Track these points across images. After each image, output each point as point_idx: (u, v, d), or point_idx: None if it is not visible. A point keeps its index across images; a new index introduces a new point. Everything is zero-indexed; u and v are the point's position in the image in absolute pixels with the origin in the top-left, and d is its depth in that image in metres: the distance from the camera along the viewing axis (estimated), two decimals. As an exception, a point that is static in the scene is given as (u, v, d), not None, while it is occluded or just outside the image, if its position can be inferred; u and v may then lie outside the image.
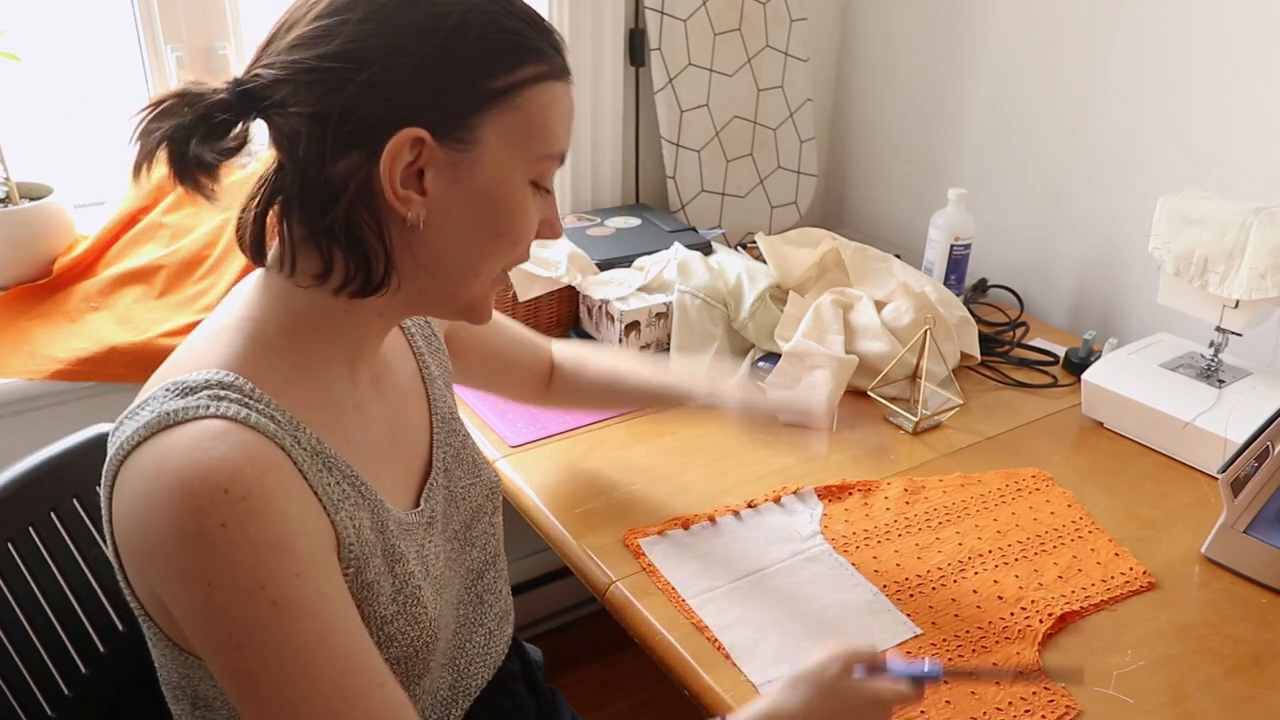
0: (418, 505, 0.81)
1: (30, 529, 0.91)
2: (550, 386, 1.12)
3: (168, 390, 0.65)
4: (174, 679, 0.72)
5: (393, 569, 0.73)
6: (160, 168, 0.66)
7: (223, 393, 0.65)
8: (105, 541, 0.69)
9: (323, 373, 0.73)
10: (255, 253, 0.72)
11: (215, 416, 0.63)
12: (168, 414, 0.63)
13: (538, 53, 0.69)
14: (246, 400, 0.65)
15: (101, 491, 0.67)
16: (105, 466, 0.65)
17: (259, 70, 0.67)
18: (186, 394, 0.64)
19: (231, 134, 0.67)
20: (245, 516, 0.60)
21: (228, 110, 0.66)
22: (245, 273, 1.38)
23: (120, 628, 0.97)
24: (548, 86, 0.70)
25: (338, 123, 0.65)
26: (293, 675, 0.62)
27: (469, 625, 0.88)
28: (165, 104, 0.65)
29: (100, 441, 0.97)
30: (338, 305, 0.71)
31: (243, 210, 0.71)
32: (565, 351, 1.14)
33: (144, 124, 0.65)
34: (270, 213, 0.70)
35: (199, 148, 0.65)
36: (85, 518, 0.95)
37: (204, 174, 0.66)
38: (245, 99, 0.66)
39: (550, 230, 0.76)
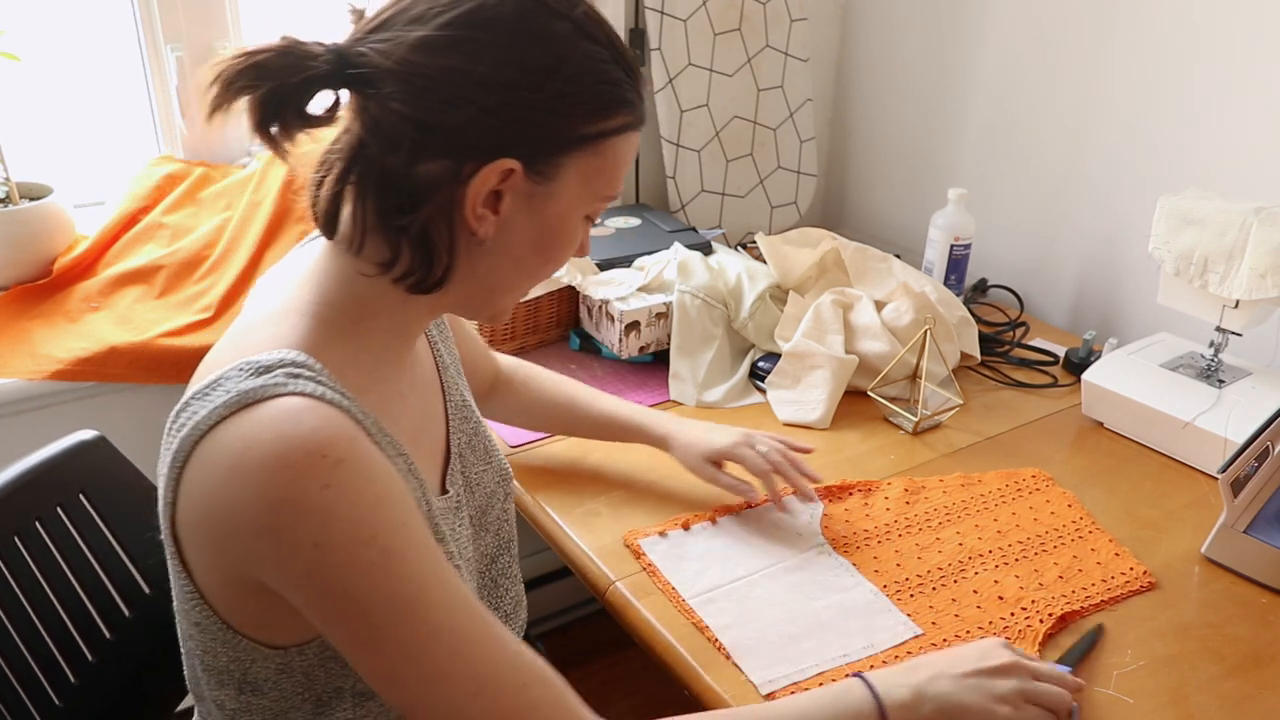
0: (445, 491, 0.83)
1: (15, 539, 0.90)
2: (492, 396, 1.13)
3: (241, 370, 0.66)
4: (223, 663, 0.72)
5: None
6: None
7: (297, 370, 0.66)
8: (160, 528, 0.69)
9: (377, 357, 0.75)
10: (328, 227, 0.72)
11: (294, 394, 0.64)
12: (246, 392, 0.64)
13: (628, 104, 0.73)
14: (319, 379, 0.67)
15: (164, 474, 0.67)
16: (174, 448, 0.65)
17: (366, 50, 0.66)
18: (261, 373, 0.65)
19: (320, 105, 0.67)
20: (346, 476, 0.62)
21: (326, 83, 0.66)
22: (253, 264, 1.38)
23: (108, 635, 0.96)
24: (627, 137, 0.74)
25: (441, 134, 0.66)
26: (413, 622, 0.63)
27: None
28: (261, 57, 0.64)
29: (83, 448, 0.97)
30: (397, 297, 0.73)
31: (319, 180, 0.71)
32: (513, 366, 1.15)
33: (234, 73, 0.64)
34: (346, 189, 0.70)
35: (294, 117, 0.65)
36: (70, 526, 0.95)
37: (284, 135, 0.66)
38: (347, 78, 0.66)
39: (581, 251, 0.80)
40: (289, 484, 0.61)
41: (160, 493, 0.68)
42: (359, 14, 0.70)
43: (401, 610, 0.63)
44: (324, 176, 0.71)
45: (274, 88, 0.64)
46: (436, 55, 0.66)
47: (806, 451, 1.12)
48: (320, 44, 0.66)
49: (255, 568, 0.64)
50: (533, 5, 0.68)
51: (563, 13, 0.69)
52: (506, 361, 1.16)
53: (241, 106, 0.65)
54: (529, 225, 0.72)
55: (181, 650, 0.78)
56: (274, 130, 0.65)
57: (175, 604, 0.74)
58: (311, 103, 0.67)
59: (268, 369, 0.66)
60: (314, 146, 0.71)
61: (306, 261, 0.75)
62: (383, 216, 0.69)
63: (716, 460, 1.09)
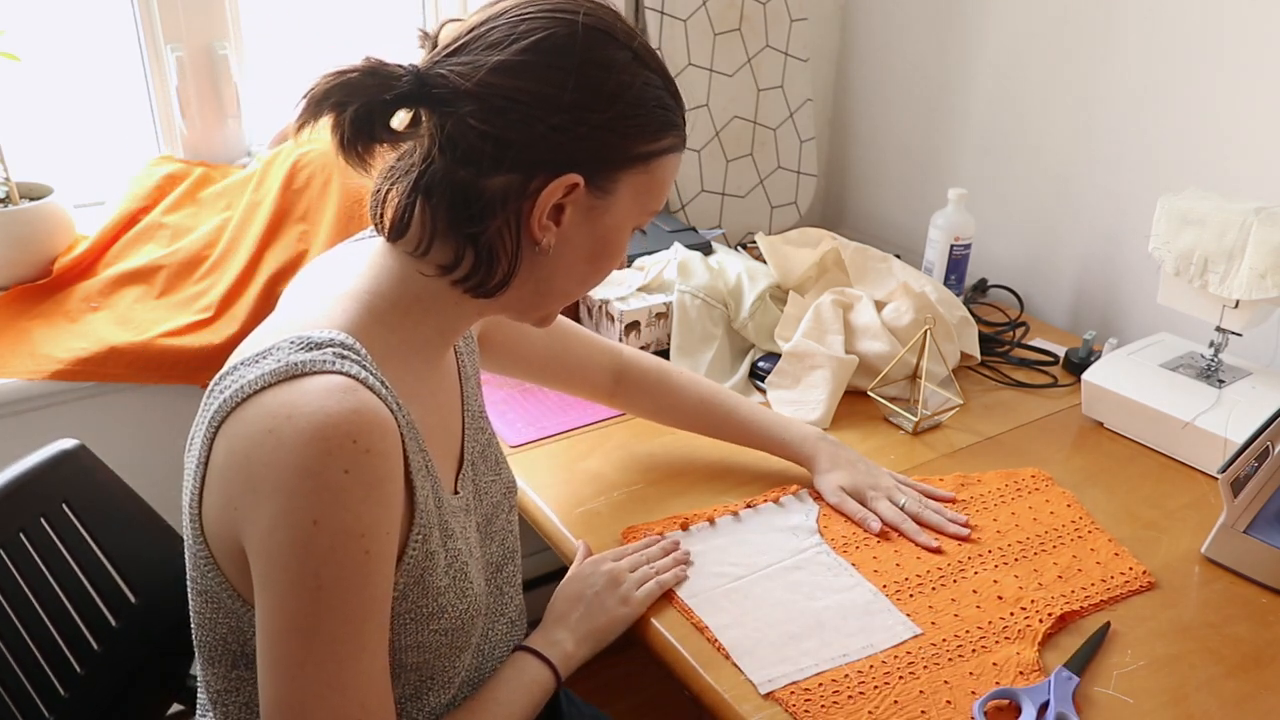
0: (456, 491, 0.86)
1: (0, 552, 0.90)
2: (616, 393, 1.17)
3: (293, 343, 0.69)
4: (221, 634, 0.74)
5: (446, 544, 0.78)
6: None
7: (345, 352, 0.70)
8: (188, 494, 0.71)
9: (417, 352, 0.78)
10: (397, 232, 0.76)
11: (341, 373, 0.67)
12: (295, 364, 0.67)
13: (677, 127, 0.80)
14: (364, 364, 0.70)
15: (200, 436, 0.70)
16: (212, 411, 0.68)
17: (445, 71, 0.71)
18: (312, 349, 0.69)
19: (402, 120, 0.72)
20: (367, 468, 0.65)
21: (407, 101, 0.71)
22: (253, 264, 1.38)
23: (96, 646, 0.96)
24: (675, 156, 0.81)
25: (514, 150, 0.72)
26: (352, 628, 0.66)
27: (491, 615, 0.93)
28: (350, 76, 0.68)
29: (65, 457, 0.96)
30: (451, 297, 0.77)
31: (385, 189, 0.76)
32: (641, 362, 1.18)
33: (323, 90, 0.68)
34: (418, 198, 0.74)
35: (382, 132, 0.70)
36: (54, 537, 0.94)
37: (367, 150, 0.71)
38: (428, 97, 0.71)
39: (621, 262, 0.86)
40: (318, 456, 0.63)
41: (194, 454, 0.70)
42: (428, 38, 0.76)
43: (350, 612, 0.66)
44: (391, 186, 0.75)
45: (363, 104, 0.68)
46: (513, 78, 0.71)
47: (949, 501, 1.14)
48: (400, 65, 0.71)
49: (248, 524, 0.66)
50: (600, 36, 0.73)
51: (624, 44, 0.75)
52: (633, 355, 1.18)
53: (324, 123, 0.69)
54: (586, 236, 0.78)
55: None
56: (359, 145, 0.69)
57: (188, 578, 0.75)
58: (392, 120, 0.71)
59: (318, 345, 0.69)
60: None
61: (362, 255, 0.79)
62: (452, 224, 0.74)
63: (853, 495, 1.12)
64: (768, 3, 1.79)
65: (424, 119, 0.72)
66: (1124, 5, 1.49)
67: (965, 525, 1.09)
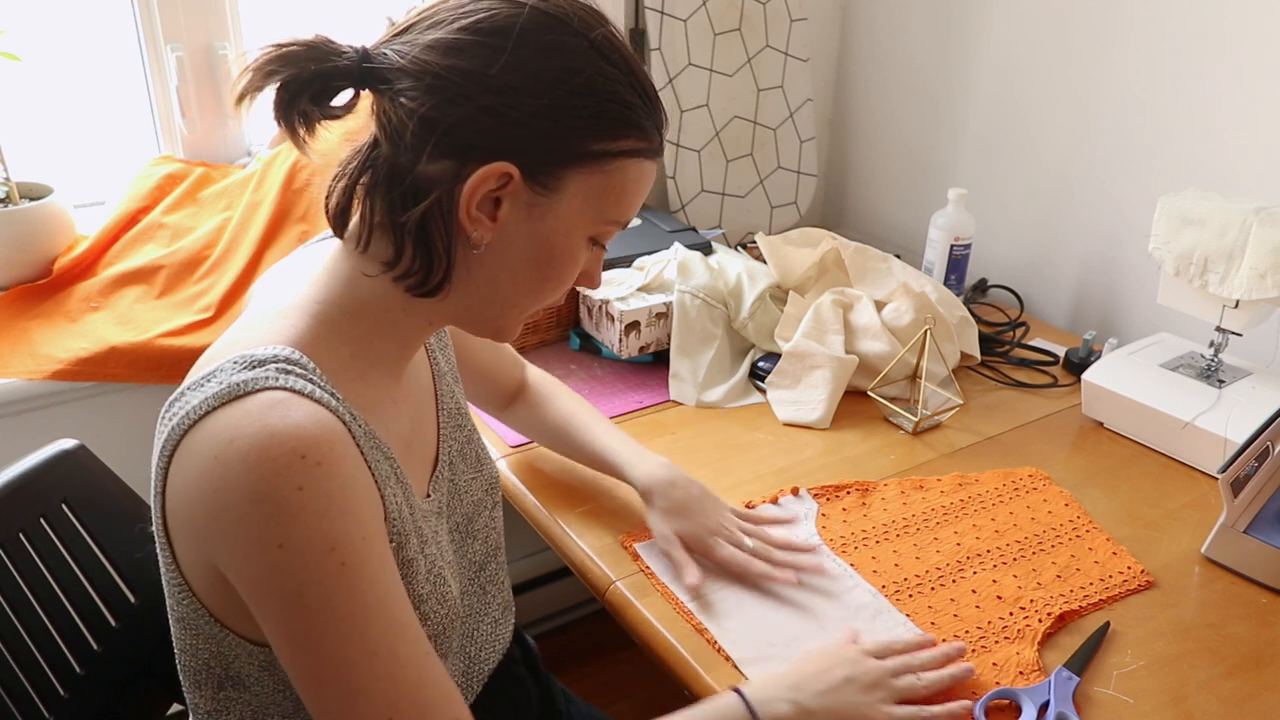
0: (427, 495, 0.84)
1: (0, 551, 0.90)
2: (511, 407, 1.14)
3: (235, 363, 0.67)
4: (204, 659, 0.73)
5: (423, 549, 0.77)
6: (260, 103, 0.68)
7: (290, 367, 0.68)
8: (153, 521, 0.70)
9: (374, 363, 0.76)
10: (337, 221, 0.74)
11: (283, 389, 0.65)
12: (236, 385, 0.65)
13: (641, 130, 0.73)
14: (310, 377, 0.68)
15: (155, 465, 0.68)
16: (163, 439, 0.67)
17: (388, 51, 0.69)
18: (254, 367, 0.67)
19: (341, 99, 0.70)
20: (320, 481, 0.63)
21: (347, 78, 0.69)
22: (253, 264, 1.38)
23: (96, 647, 0.96)
24: (638, 163, 0.74)
25: (443, 132, 0.68)
26: (353, 637, 0.64)
27: (475, 615, 0.91)
28: (290, 49, 0.67)
29: (64, 457, 0.96)
30: (398, 301, 0.74)
31: (334, 177, 0.74)
32: (538, 381, 1.15)
33: (263, 61, 0.66)
34: (357, 186, 0.72)
35: (309, 104, 0.68)
36: (54, 537, 0.94)
37: (303, 125, 0.68)
38: (367, 75, 0.69)
39: (589, 281, 0.80)
40: (267, 478, 0.62)
41: (151, 482, 0.69)
42: (392, 24, 0.73)
43: (345, 624, 0.64)
44: (340, 170, 0.73)
45: (295, 74, 0.67)
46: (447, 56, 0.68)
47: (787, 522, 1.08)
48: (350, 45, 0.69)
49: (222, 557, 0.65)
50: (550, 21, 0.69)
51: (580, 31, 0.69)
52: (534, 375, 1.15)
53: (266, 97, 0.67)
54: (527, 237, 0.73)
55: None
56: (294, 118, 0.68)
57: (167, 606, 0.74)
58: (335, 98, 0.69)
59: (261, 363, 0.67)
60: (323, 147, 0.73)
61: (314, 261, 0.77)
62: (388, 213, 0.71)
63: (688, 543, 1.01)
64: (768, 3, 1.79)
65: (373, 101, 0.70)
66: (1124, 5, 1.49)
67: (814, 553, 1.04)
